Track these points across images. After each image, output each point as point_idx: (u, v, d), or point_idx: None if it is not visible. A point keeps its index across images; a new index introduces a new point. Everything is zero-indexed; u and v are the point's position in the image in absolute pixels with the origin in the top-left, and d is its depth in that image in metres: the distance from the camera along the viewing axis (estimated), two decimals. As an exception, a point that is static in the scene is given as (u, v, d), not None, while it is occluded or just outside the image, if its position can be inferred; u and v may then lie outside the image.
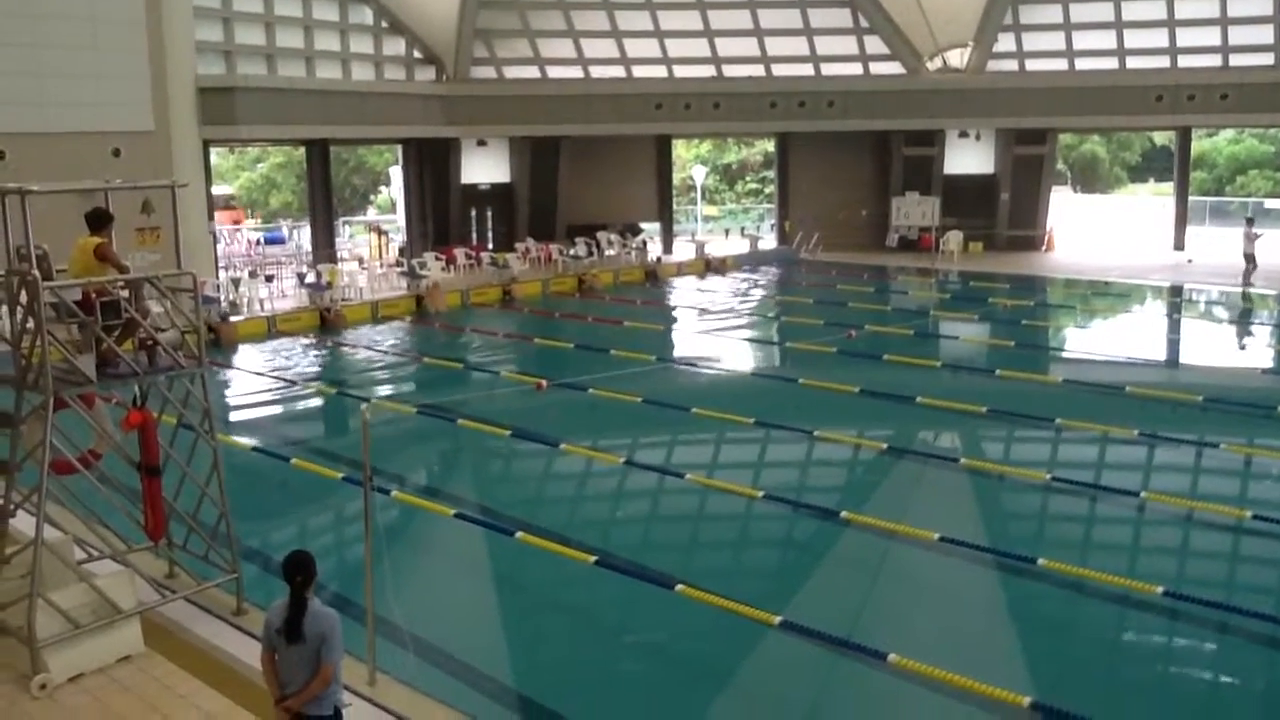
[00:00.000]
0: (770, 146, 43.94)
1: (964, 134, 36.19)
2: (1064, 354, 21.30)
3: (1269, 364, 20.52)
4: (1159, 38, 34.30)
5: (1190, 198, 38.20)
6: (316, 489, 13.24)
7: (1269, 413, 15.53)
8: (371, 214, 53.84)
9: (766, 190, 53.76)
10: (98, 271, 8.55)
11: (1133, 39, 34.50)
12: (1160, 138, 57.11)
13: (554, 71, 34.77)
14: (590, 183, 36.62)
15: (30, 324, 8.05)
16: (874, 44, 35.30)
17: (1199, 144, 51.20)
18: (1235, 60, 33.84)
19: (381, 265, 31.00)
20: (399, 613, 8.41)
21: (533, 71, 34.66)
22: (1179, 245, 35.64)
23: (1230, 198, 50.55)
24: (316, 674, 5.82)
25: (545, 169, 35.19)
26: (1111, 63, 34.87)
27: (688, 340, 23.30)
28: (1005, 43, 35.08)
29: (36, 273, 7.86)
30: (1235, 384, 17.77)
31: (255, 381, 19.44)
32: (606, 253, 33.00)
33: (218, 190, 43.14)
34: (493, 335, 23.50)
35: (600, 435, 15.72)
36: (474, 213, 35.16)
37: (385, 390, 18.61)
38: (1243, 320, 25.74)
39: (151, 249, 20.51)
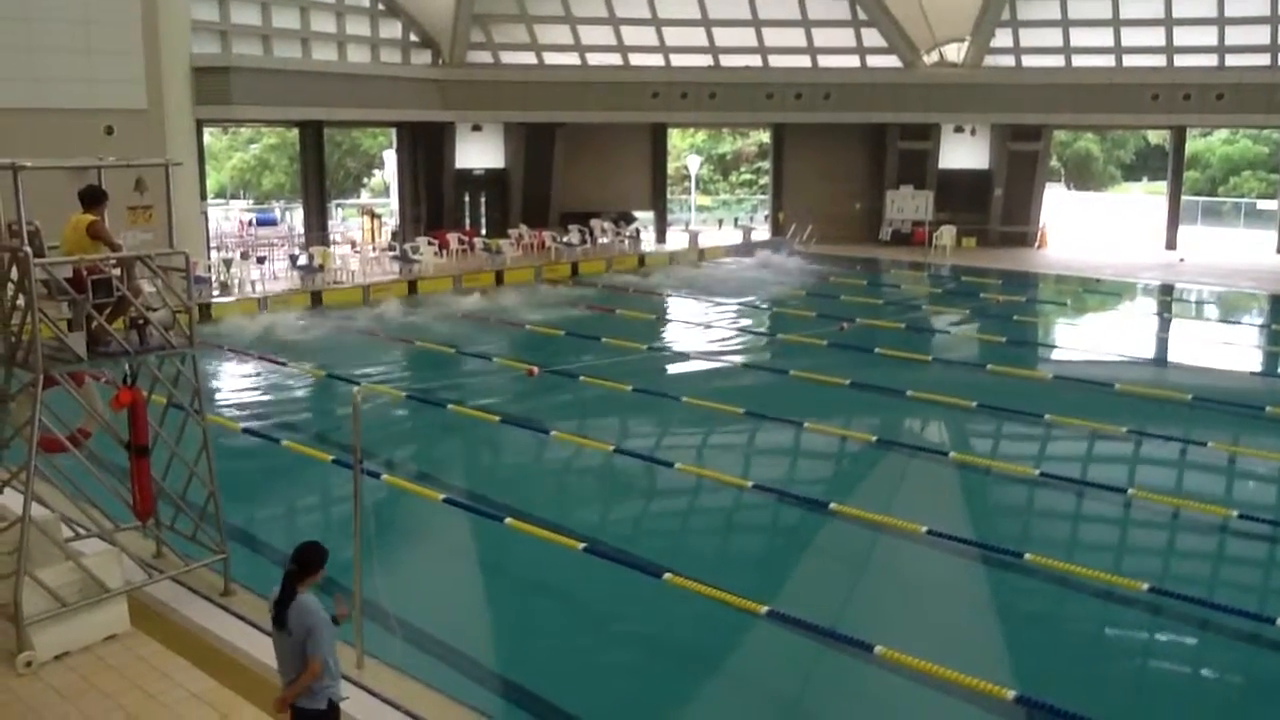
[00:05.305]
0: (765, 137, 43.89)
1: (959, 129, 36.18)
2: (1054, 350, 21.38)
3: (1258, 364, 20.62)
4: (1156, 36, 34.32)
5: (1183, 197, 38.30)
6: (306, 471, 13.24)
7: (1257, 412, 15.61)
8: (365, 197, 53.69)
9: (761, 181, 53.76)
10: (90, 249, 8.50)
11: (1130, 37, 34.52)
12: (1154, 137, 57.23)
13: (550, 58, 34.66)
14: (585, 170, 36.55)
15: (21, 301, 8.02)
16: (871, 37, 35.25)
17: (1193, 144, 51.27)
18: (1231, 60, 33.89)
19: (374, 249, 30.91)
20: (387, 597, 8.41)
21: (529, 58, 34.54)
22: (1171, 244, 35.75)
23: (1222, 198, 50.69)
24: (306, 667, 5.86)
25: (540, 155, 35.10)
26: (1108, 60, 34.89)
27: (679, 330, 23.31)
28: (1002, 38, 35.07)
29: (28, 249, 7.82)
30: (1224, 383, 17.84)
31: (245, 362, 19.39)
32: (600, 241, 32.99)
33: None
34: (484, 320, 23.48)
35: (591, 423, 15.74)
36: (468, 198, 35.06)
37: (376, 374, 18.58)
38: (1233, 320, 25.83)
39: (144, 228, 20.44)
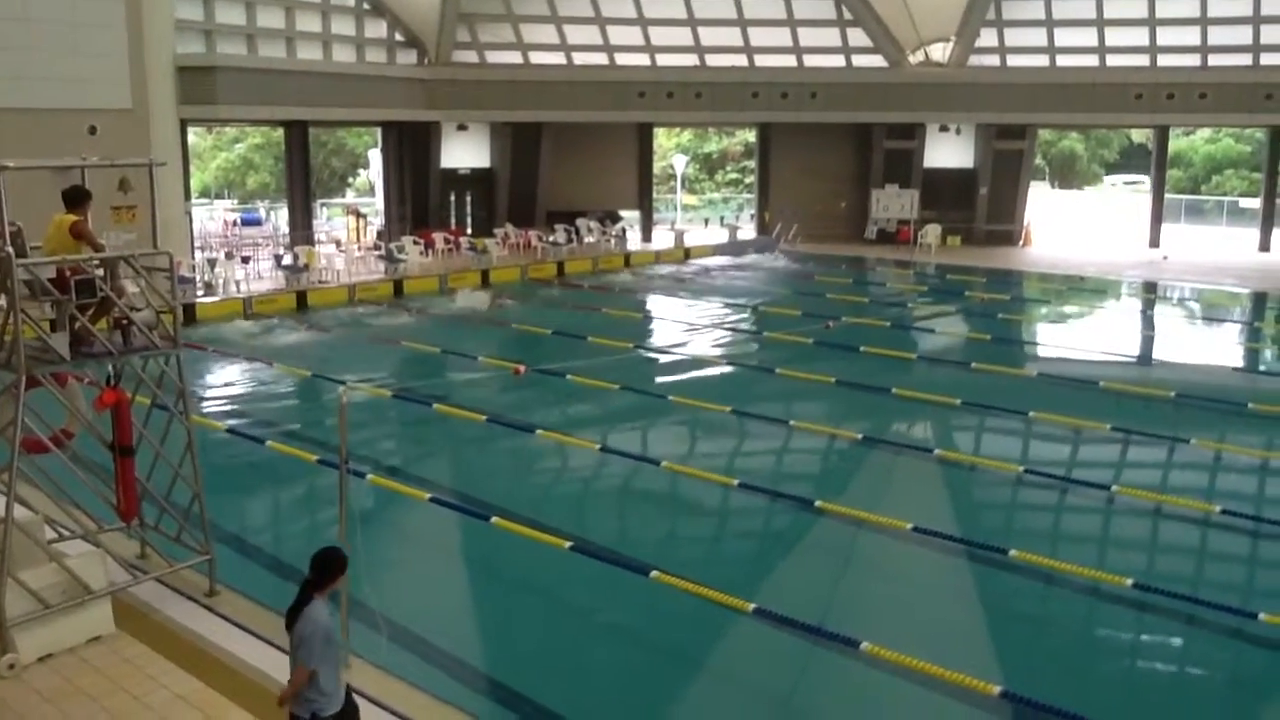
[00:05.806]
0: (751, 136, 43.96)
1: (944, 128, 36.31)
2: (1039, 348, 21.46)
3: (1241, 361, 20.74)
4: (1139, 36, 34.51)
5: (1166, 196, 38.54)
6: (292, 471, 13.20)
7: (1239, 409, 15.71)
8: (350, 196, 53.51)
9: (747, 180, 53.81)
10: (73, 249, 8.46)
11: (1113, 37, 34.71)
12: (1138, 135, 57.52)
13: (536, 57, 34.64)
14: (571, 169, 36.56)
15: (3, 301, 7.97)
16: (857, 36, 35.35)
17: (1176, 142, 51.55)
18: (1214, 60, 34.10)
19: (359, 248, 30.84)
20: (373, 596, 8.39)
21: (515, 57, 34.52)
22: (1154, 242, 35.96)
23: (1205, 196, 51.00)
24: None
25: (526, 155, 35.09)
26: (1092, 60, 35.07)
27: (665, 328, 23.31)
28: (987, 38, 35.21)
29: (10, 249, 7.77)
30: (1207, 380, 17.94)
31: (230, 363, 19.32)
32: (586, 240, 32.99)
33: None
34: (470, 320, 23.44)
35: (577, 421, 15.73)
36: (453, 197, 35.03)
37: (362, 373, 18.54)
38: (1215, 318, 25.99)
39: (127, 228, 20.34)
